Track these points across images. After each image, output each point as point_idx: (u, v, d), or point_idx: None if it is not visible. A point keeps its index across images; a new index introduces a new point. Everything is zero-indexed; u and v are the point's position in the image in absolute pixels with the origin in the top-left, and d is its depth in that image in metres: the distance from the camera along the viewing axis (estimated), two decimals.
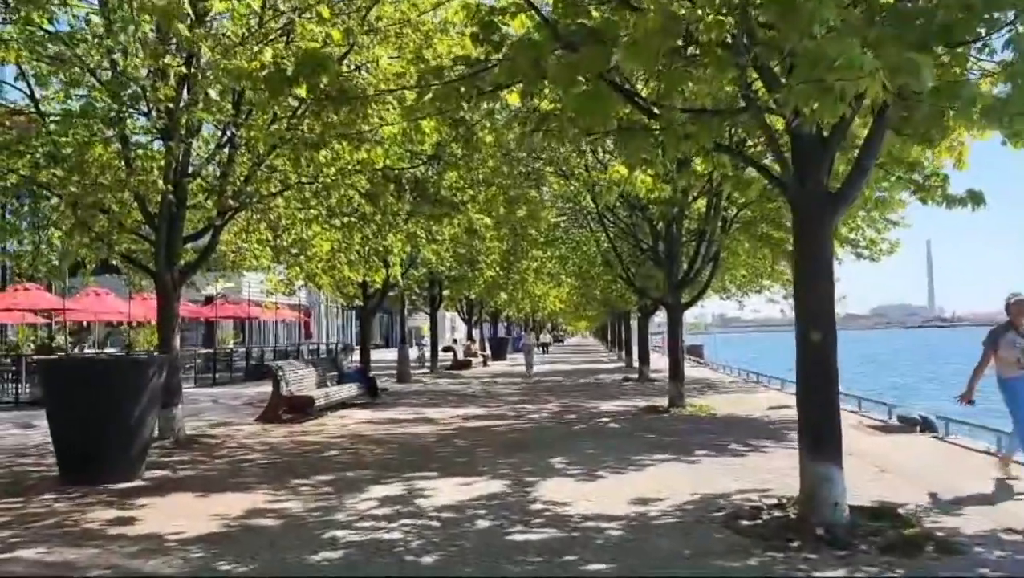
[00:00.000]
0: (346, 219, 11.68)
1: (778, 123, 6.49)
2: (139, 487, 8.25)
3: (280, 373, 14.53)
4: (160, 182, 9.96)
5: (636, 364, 28.52)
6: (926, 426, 12.05)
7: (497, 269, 27.97)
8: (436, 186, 12.44)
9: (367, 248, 12.50)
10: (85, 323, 33.76)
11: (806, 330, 6.18)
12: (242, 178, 11.30)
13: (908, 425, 12.49)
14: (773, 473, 8.67)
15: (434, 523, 6.64)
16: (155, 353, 11.75)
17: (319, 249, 12.75)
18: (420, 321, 53.54)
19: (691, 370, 25.06)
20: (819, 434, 6.12)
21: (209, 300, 32.65)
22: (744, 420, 13.99)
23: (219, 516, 6.92)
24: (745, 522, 6.33)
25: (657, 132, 6.17)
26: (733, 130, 7.59)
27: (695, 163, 7.13)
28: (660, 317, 36.45)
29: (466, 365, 33.67)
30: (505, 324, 56.49)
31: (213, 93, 8.57)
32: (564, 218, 24.91)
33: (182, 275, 11.61)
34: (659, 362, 29.53)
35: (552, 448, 10.73)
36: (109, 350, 30.32)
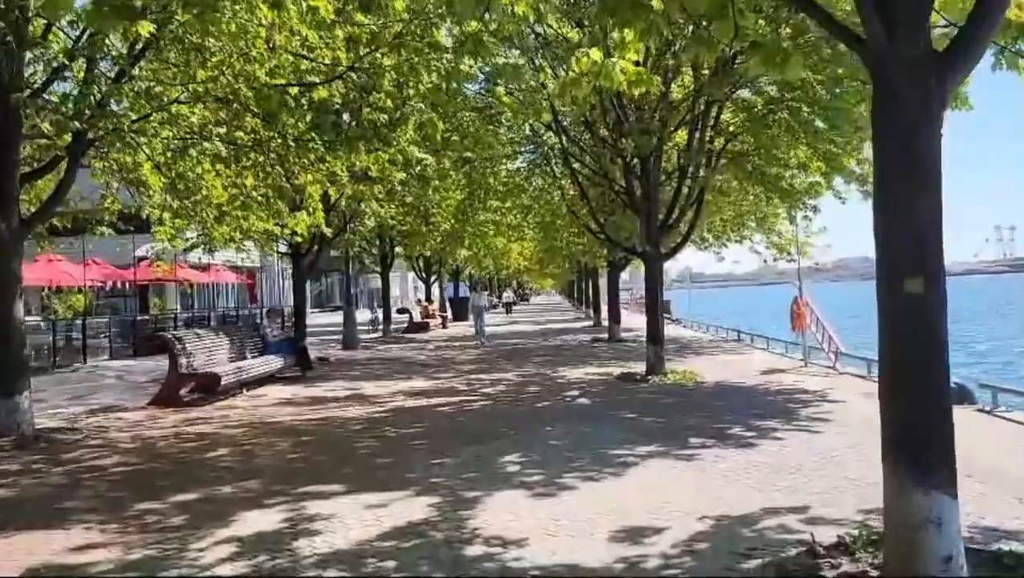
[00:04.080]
0: (239, 146, 9.02)
1: None
2: None
3: (178, 345, 11.92)
4: None
5: (605, 323, 26.36)
6: (962, 396, 9.87)
7: (452, 222, 25.39)
8: (358, 106, 9.82)
9: (269, 186, 9.88)
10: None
11: (896, 277, 3.80)
12: (97, 95, 8.58)
13: None
14: (803, 475, 6.38)
15: None
16: None
17: (213, 193, 10.09)
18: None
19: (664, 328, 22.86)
20: (921, 445, 3.77)
21: (142, 260, 29.68)
22: (738, 390, 11.75)
23: None
24: None
25: None
26: None
27: (709, 30, 4.64)
28: (625, 274, 34.25)
29: (423, 328, 31.16)
30: (468, 283, 53.92)
31: None
32: (524, 164, 22.39)
33: (23, 225, 8.92)
34: (629, 320, 27.35)
35: (505, 438, 8.37)
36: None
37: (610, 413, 9.82)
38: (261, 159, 9.49)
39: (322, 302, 61.95)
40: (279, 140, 9.04)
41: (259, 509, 5.85)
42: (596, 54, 5.73)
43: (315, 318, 44.98)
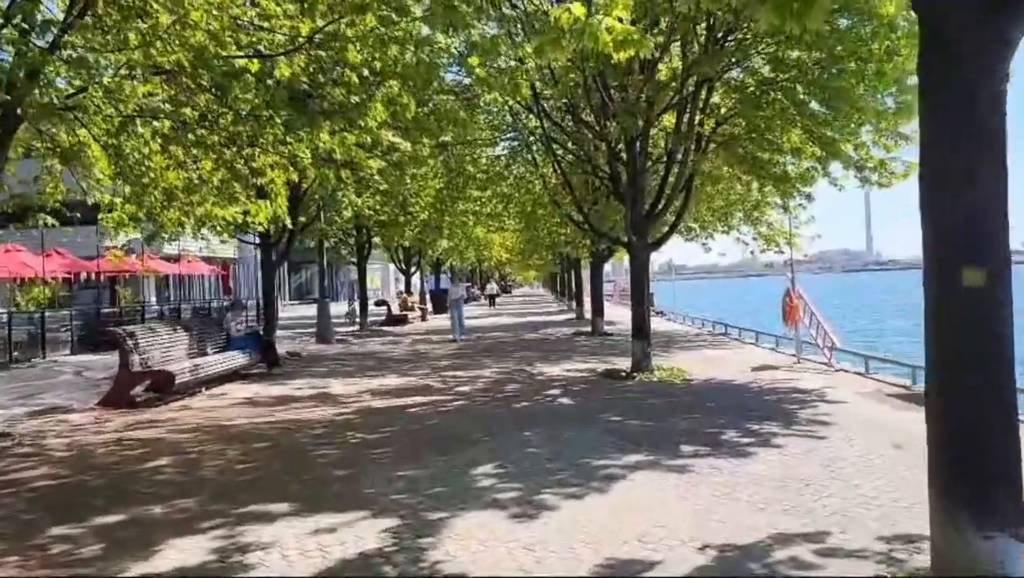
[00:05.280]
0: (186, 124, 8.18)
1: None
2: None
3: (128, 341, 11.06)
4: None
5: (588, 315, 25.67)
6: None
7: (430, 211, 24.60)
8: (322, 83, 9.02)
9: (224, 167, 9.00)
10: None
11: (950, 267, 3.07)
12: (27, 65, 7.70)
13: None
14: (811, 491, 5.66)
15: None
16: None
17: (160, 176, 9.22)
18: (369, 272, 49.54)
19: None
20: (981, 476, 3.04)
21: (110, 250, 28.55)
22: (729, 389, 11.04)
23: None
24: None
25: None
26: None
27: None
28: (608, 266, 33.52)
29: (401, 320, 30.34)
30: (449, 274, 53.06)
31: None
32: (505, 151, 21.62)
33: None
34: (611, 312, 26.66)
35: (479, 445, 7.60)
36: None
37: (594, 415, 9.08)
38: (213, 139, 8.63)
39: (302, 294, 61.04)
40: (230, 116, 8.19)
41: (189, 535, 5.05)
42: (579, 9, 4.97)
43: (294, 310, 44.17)
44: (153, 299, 35.27)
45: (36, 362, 18.37)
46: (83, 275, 31.05)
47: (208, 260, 35.83)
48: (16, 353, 18.48)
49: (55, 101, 7.53)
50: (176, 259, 32.77)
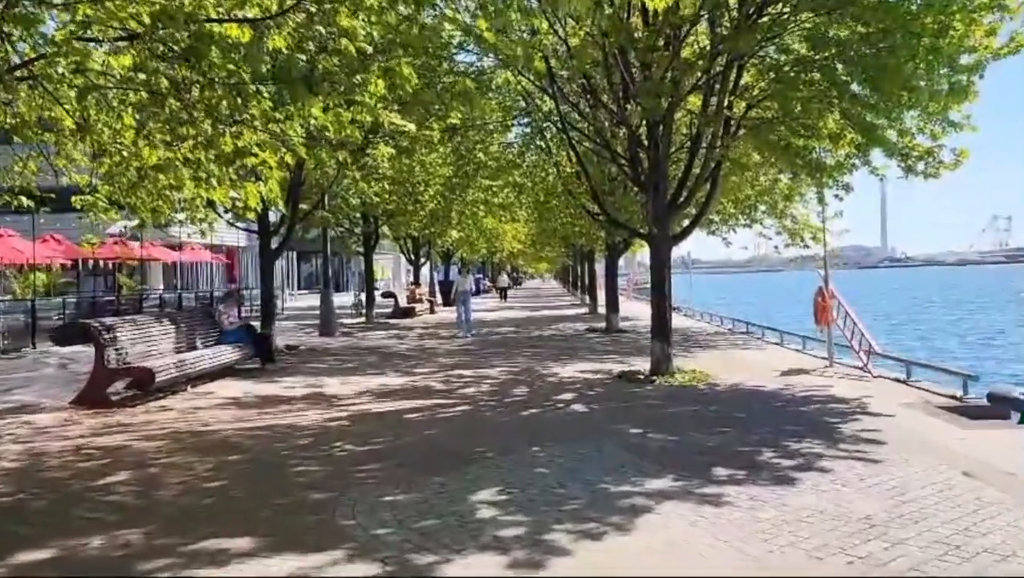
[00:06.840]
0: (156, 93, 7.26)
1: None
2: None
3: (103, 335, 10.19)
4: None
5: (602, 310, 24.72)
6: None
7: (439, 200, 23.69)
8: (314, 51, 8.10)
9: (203, 149, 8.09)
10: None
11: None
12: None
13: (999, 407, 8.65)
14: (877, 533, 4.68)
15: None
16: None
17: (133, 157, 8.30)
18: (382, 263, 48.77)
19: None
20: None
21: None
22: (759, 396, 10.05)
23: None
24: None
25: None
26: None
27: None
28: (620, 260, 32.49)
29: (409, 313, 29.44)
30: (458, 265, 52.15)
31: None
32: (517, 138, 20.66)
33: None
34: (626, 308, 25.68)
35: (481, 463, 6.67)
36: None
37: (611, 427, 8.12)
38: (186, 115, 7.69)
39: (312, 283, 60.40)
40: (202, 83, 7.24)
41: None
42: None
43: (302, 300, 43.44)
44: (160, 287, 34.54)
45: (25, 352, 17.63)
46: (90, 262, 30.32)
47: (214, 248, 35.02)
48: (6, 343, 17.76)
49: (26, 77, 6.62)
50: (179, 247, 32.00)
